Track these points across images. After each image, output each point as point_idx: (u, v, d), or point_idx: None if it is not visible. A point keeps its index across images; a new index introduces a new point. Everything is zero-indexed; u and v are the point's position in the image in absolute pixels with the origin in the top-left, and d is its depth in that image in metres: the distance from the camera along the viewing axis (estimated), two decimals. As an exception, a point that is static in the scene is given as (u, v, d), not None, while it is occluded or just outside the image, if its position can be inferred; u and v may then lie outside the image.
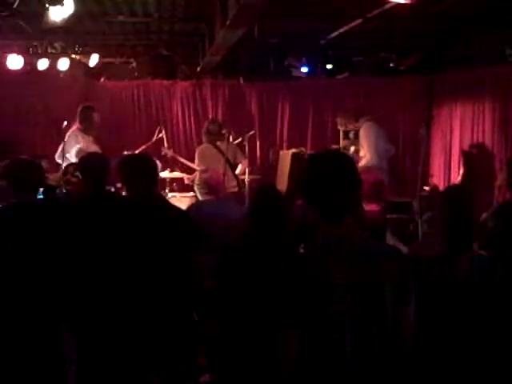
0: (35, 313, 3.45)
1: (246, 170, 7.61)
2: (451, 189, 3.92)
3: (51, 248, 3.53)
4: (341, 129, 9.07)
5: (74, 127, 7.06)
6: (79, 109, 7.16)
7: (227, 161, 7.22)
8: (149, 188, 3.82)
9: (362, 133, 7.51)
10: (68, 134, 7.01)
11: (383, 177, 6.96)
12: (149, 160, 3.97)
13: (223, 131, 7.39)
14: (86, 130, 7.03)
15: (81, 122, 7.05)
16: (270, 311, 2.13)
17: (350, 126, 8.04)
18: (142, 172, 3.81)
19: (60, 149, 6.87)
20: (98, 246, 3.71)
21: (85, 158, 4.32)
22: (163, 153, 7.83)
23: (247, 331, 3.12)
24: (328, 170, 2.13)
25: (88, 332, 3.69)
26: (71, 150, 6.80)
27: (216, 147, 7.36)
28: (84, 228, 3.76)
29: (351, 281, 2.07)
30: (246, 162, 7.59)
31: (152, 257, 3.67)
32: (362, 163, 7.08)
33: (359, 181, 2.16)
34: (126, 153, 6.90)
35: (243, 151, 7.73)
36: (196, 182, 7.06)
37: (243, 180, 7.61)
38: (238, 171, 7.49)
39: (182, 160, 7.85)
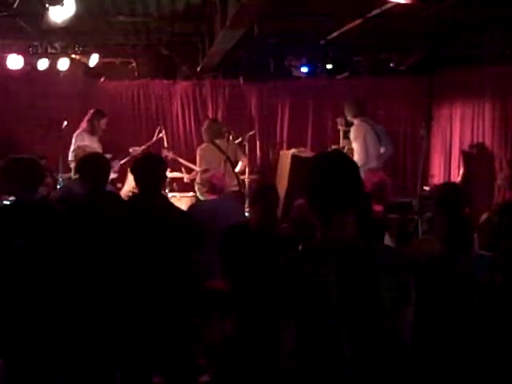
0: (38, 315, 3.45)
1: (246, 170, 7.60)
2: (443, 188, 3.91)
3: (50, 249, 3.52)
4: (341, 129, 9.06)
5: (81, 128, 7.26)
6: (91, 111, 7.45)
7: (228, 159, 7.21)
8: (153, 189, 3.83)
9: (352, 132, 7.47)
10: (75, 135, 7.31)
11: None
12: (154, 161, 3.97)
13: (223, 129, 7.41)
14: (92, 131, 7.33)
15: (89, 124, 7.34)
16: (268, 310, 2.13)
17: (348, 118, 7.86)
18: (148, 173, 3.82)
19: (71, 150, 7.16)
20: (97, 246, 3.71)
21: (84, 158, 4.32)
22: (164, 154, 7.84)
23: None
24: (328, 171, 2.13)
25: (89, 333, 3.69)
26: None
27: (216, 146, 7.35)
28: (81, 229, 3.76)
29: (350, 280, 2.07)
30: (245, 160, 7.60)
31: (152, 257, 3.68)
32: None
33: (360, 182, 2.16)
34: (131, 150, 7.16)
35: (243, 150, 7.74)
36: (197, 181, 7.05)
37: (243, 180, 7.61)
38: (237, 169, 7.49)
39: (183, 161, 7.85)
